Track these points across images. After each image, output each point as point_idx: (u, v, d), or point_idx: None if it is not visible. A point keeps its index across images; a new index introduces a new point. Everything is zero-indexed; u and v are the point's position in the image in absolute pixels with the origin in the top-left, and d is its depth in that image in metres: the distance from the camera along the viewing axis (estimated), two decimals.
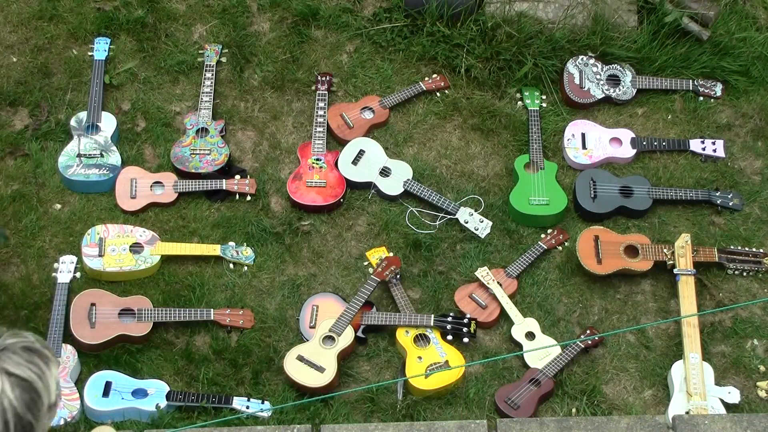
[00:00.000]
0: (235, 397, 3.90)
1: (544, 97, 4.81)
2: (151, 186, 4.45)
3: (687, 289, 4.17)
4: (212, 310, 4.11)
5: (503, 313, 4.19)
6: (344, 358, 4.06)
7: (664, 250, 4.28)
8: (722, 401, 3.92)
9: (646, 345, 4.16)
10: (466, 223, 4.42)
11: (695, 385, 3.91)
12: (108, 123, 4.58)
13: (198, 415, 3.88)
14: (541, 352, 4.05)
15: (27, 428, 1.80)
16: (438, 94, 4.82)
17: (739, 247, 4.36)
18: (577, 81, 4.79)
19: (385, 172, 4.53)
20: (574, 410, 3.97)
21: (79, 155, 4.48)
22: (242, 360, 4.05)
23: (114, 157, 4.50)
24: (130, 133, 4.66)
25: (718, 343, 4.17)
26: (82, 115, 4.59)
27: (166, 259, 4.28)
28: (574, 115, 4.78)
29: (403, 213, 4.47)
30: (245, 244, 4.33)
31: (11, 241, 4.29)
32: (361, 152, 4.58)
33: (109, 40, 4.85)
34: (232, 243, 4.31)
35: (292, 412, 3.92)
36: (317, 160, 4.54)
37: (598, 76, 4.81)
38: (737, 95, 4.87)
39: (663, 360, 4.11)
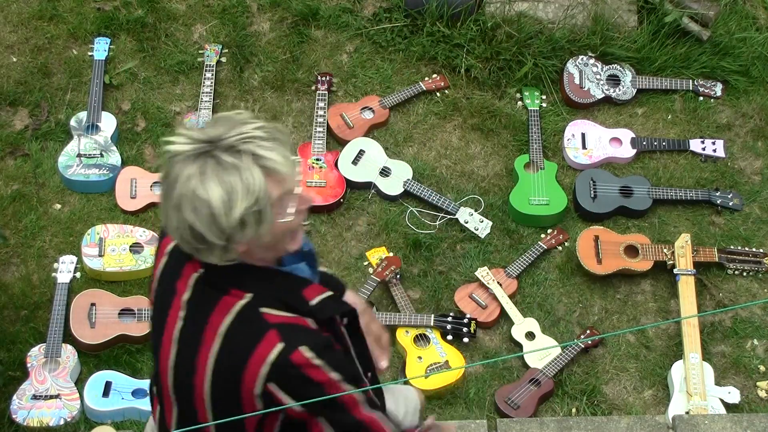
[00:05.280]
0: None
1: (544, 97, 4.81)
2: (151, 186, 4.45)
3: (687, 289, 4.17)
4: None
5: (503, 313, 4.19)
6: None
7: (664, 250, 4.28)
8: (722, 401, 3.92)
9: (646, 345, 4.17)
10: (466, 223, 4.42)
11: (695, 385, 3.91)
12: (108, 123, 4.58)
13: None
14: (541, 352, 4.05)
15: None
16: (438, 94, 4.82)
17: (739, 247, 4.36)
18: (577, 81, 4.79)
19: (385, 172, 4.53)
20: (574, 410, 3.97)
21: (79, 155, 4.48)
22: None
23: (114, 157, 4.50)
24: (130, 133, 4.66)
25: (718, 343, 4.17)
26: (82, 115, 4.59)
27: None
28: (574, 115, 4.78)
29: (403, 213, 4.47)
30: None
31: (11, 241, 4.29)
32: (361, 152, 4.58)
33: (109, 40, 4.86)
34: None
35: None
36: (317, 160, 4.54)
37: (598, 76, 4.81)
38: (737, 95, 4.87)
39: (663, 360, 4.11)
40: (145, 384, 3.89)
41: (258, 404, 2.11)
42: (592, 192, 4.47)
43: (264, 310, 2.09)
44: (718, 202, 4.49)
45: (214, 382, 2.14)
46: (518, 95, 4.81)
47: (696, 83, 4.84)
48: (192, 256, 2.12)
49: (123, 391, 3.87)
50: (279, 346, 2.05)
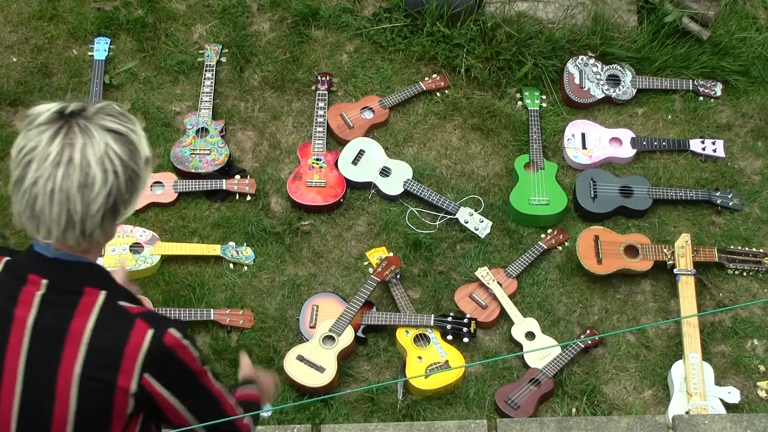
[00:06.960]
0: None
1: (544, 97, 4.81)
2: (151, 186, 4.45)
3: (687, 289, 4.17)
4: (212, 310, 4.11)
5: (503, 313, 4.19)
6: (344, 358, 4.06)
7: (664, 250, 4.28)
8: (722, 401, 3.92)
9: (646, 345, 4.17)
10: (466, 223, 4.42)
11: (695, 385, 3.91)
12: None
13: None
14: (541, 352, 4.05)
15: (133, 177, 1.97)
16: (438, 94, 4.82)
17: (739, 247, 4.36)
18: (577, 81, 4.79)
19: (385, 172, 4.53)
20: (574, 410, 3.97)
21: None
22: None
23: None
24: None
25: (718, 343, 4.17)
26: None
27: (166, 259, 4.28)
28: (574, 115, 4.78)
29: (403, 213, 4.47)
30: (245, 244, 4.33)
31: (11, 241, 4.29)
32: (361, 152, 4.58)
33: (109, 40, 4.86)
34: (232, 243, 4.31)
35: (292, 412, 3.92)
36: (317, 160, 4.54)
37: (598, 76, 4.81)
38: (737, 95, 4.87)
39: (663, 360, 4.11)
40: None
41: (129, 407, 2.00)
42: (592, 192, 4.47)
43: (122, 303, 2.03)
44: (718, 202, 4.49)
45: (81, 399, 1.98)
46: (518, 95, 4.81)
47: (696, 83, 4.84)
48: (26, 279, 2.01)
49: None
50: (150, 332, 1.99)
